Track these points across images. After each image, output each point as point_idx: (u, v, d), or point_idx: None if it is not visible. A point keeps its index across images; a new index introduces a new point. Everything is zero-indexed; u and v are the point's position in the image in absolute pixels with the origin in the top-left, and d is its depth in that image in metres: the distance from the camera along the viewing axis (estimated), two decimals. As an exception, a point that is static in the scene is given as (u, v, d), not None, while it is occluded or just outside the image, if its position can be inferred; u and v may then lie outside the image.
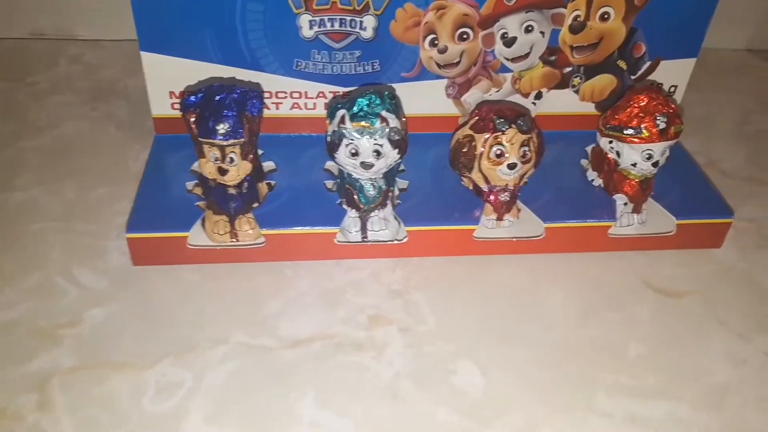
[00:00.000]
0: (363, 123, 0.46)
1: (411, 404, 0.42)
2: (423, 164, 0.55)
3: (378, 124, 0.46)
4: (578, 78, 0.56)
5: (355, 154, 0.47)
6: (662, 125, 0.48)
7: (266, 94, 0.55)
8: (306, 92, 0.55)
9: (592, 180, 0.55)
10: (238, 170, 0.46)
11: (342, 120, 0.46)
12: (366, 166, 0.47)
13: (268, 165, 0.54)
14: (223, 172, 0.46)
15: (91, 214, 0.54)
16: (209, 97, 0.45)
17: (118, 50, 0.72)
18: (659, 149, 0.49)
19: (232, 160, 0.46)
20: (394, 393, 0.42)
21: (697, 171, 0.57)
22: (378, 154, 0.47)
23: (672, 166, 0.56)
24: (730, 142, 0.66)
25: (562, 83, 0.57)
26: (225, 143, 0.45)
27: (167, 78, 0.53)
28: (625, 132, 0.49)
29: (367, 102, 0.46)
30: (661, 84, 0.57)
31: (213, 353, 0.44)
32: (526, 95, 0.57)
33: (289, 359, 0.44)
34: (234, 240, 0.49)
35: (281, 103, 0.55)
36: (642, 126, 0.48)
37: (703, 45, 0.81)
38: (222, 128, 0.44)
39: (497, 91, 0.57)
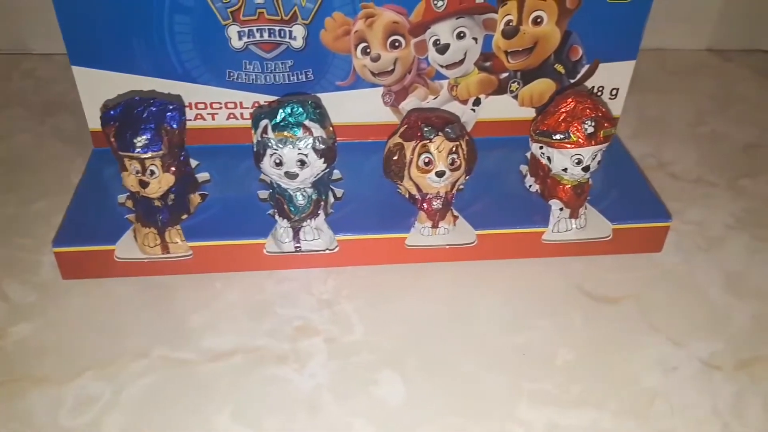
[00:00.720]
0: (285, 133, 0.46)
1: (328, 416, 0.41)
2: (361, 172, 0.55)
3: (301, 133, 0.46)
4: (516, 83, 0.56)
5: (279, 164, 0.46)
6: (590, 129, 0.47)
7: (201, 105, 0.55)
8: (241, 102, 0.55)
9: (530, 186, 0.54)
10: (159, 183, 0.46)
11: (265, 130, 0.46)
12: (290, 175, 0.47)
13: (202, 176, 0.54)
14: (144, 184, 0.46)
15: (29, 227, 0.54)
16: (128, 110, 0.45)
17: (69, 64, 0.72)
18: (588, 153, 0.48)
19: (152, 172, 0.46)
20: (313, 405, 0.42)
21: (637, 174, 0.56)
22: (302, 163, 0.46)
23: (612, 170, 0.56)
24: (683, 143, 0.66)
25: (500, 89, 0.56)
26: (144, 156, 0.45)
27: (101, 91, 0.53)
28: (553, 137, 0.48)
29: (290, 111, 0.46)
30: (602, 88, 0.57)
31: (133, 367, 0.44)
32: (464, 102, 0.57)
33: (209, 373, 0.43)
34: (165, 252, 0.49)
35: (217, 113, 0.55)
36: (570, 130, 0.48)
37: (662, 45, 0.82)
38: (140, 141, 0.44)
39: (435, 98, 0.56)
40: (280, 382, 0.43)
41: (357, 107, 0.56)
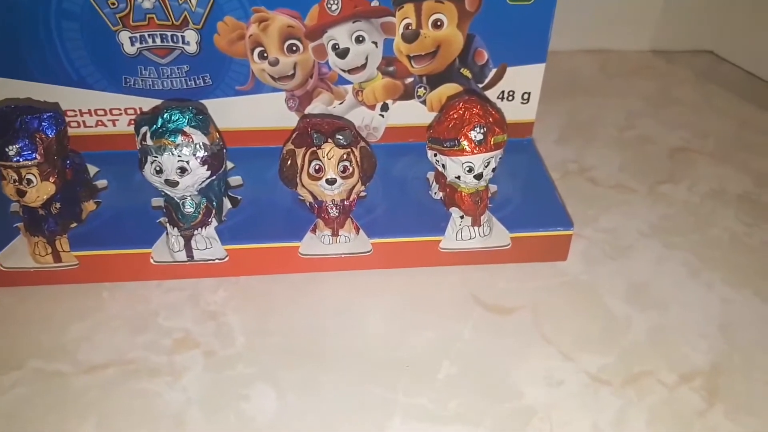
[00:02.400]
0: (164, 140, 0.45)
1: (193, 432, 0.41)
2: (263, 178, 0.54)
3: (180, 140, 0.45)
4: (422, 88, 0.55)
5: (159, 172, 0.46)
6: (480, 136, 0.46)
7: (101, 112, 0.54)
8: (141, 108, 0.54)
9: (435, 193, 0.53)
10: (38, 191, 0.45)
11: (144, 137, 0.45)
12: (170, 183, 0.46)
13: (101, 183, 0.53)
14: (21, 193, 0.45)
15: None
16: (1, 119, 0.44)
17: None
18: (479, 161, 0.47)
19: (30, 181, 0.45)
20: (180, 421, 0.41)
21: (546, 181, 0.55)
22: (183, 171, 0.45)
23: (521, 177, 0.55)
24: (608, 148, 0.64)
25: (408, 94, 0.55)
26: (17, 165, 0.44)
27: (-2, 98, 0.53)
28: (444, 145, 0.47)
29: (168, 118, 0.45)
30: (513, 92, 0.56)
31: (6, 379, 0.43)
32: (371, 107, 0.56)
33: (80, 386, 0.43)
34: (57, 261, 0.48)
35: (117, 119, 0.54)
36: (459, 138, 0.46)
37: (607, 46, 0.80)
38: (12, 150, 0.43)
39: (340, 103, 0.55)
40: (150, 396, 0.42)
41: (260, 112, 0.55)
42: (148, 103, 0.54)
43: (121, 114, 0.54)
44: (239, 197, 0.52)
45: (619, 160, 0.62)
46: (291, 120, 0.56)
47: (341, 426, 0.41)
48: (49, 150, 0.45)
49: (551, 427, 0.41)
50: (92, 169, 0.54)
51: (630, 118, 0.68)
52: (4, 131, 0.44)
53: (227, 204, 0.51)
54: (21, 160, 0.44)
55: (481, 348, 0.46)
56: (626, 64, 0.77)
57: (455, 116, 0.47)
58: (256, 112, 0.55)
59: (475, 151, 0.46)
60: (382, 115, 0.56)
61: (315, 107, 0.55)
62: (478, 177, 0.47)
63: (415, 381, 0.43)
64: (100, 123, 0.54)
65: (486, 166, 0.47)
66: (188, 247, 0.49)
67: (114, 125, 0.55)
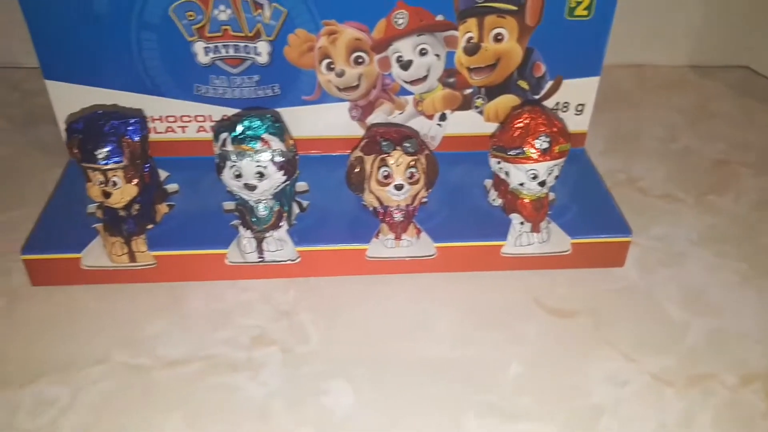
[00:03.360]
0: (243, 146, 0.47)
1: (277, 424, 0.42)
2: (327, 185, 0.56)
3: (259, 146, 0.47)
4: (480, 99, 0.57)
5: (238, 176, 0.48)
6: (545, 145, 0.48)
7: (171, 119, 0.56)
8: (210, 116, 0.56)
9: (493, 200, 0.55)
10: (122, 193, 0.47)
11: (224, 143, 0.47)
12: (249, 187, 0.48)
13: (171, 187, 0.55)
14: (107, 195, 0.47)
15: (2, 235, 0.55)
16: (90, 124, 0.46)
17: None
18: (544, 169, 0.49)
19: (115, 183, 0.47)
20: (263, 413, 0.43)
21: (602, 189, 0.57)
22: (261, 175, 0.47)
23: (577, 185, 0.57)
24: (654, 159, 0.66)
25: (466, 105, 0.57)
26: (105, 167, 0.46)
27: (75, 104, 0.55)
28: (509, 152, 0.49)
29: (248, 125, 0.47)
30: (567, 104, 0.58)
31: (91, 372, 0.45)
32: (430, 117, 0.58)
33: (163, 379, 0.44)
34: (132, 261, 0.50)
35: (187, 126, 0.57)
36: (524, 146, 0.48)
37: (644, 61, 0.82)
38: (101, 153, 0.46)
39: (400, 113, 0.57)
40: (232, 389, 0.44)
41: (324, 121, 0.57)
42: (217, 111, 0.56)
43: (191, 121, 0.56)
44: (306, 202, 0.54)
45: (664, 171, 0.64)
46: (353, 129, 0.58)
47: (418, 420, 0.42)
48: (134, 154, 0.47)
49: (620, 425, 0.43)
50: (162, 174, 0.56)
51: (671, 131, 0.70)
52: (93, 135, 0.46)
53: (295, 208, 0.53)
54: (109, 163, 0.46)
55: (546, 349, 0.47)
56: (663, 79, 0.79)
57: (521, 125, 0.49)
58: (320, 122, 0.57)
59: (540, 159, 0.48)
60: (440, 125, 0.58)
61: (376, 117, 0.57)
62: (542, 184, 0.49)
63: (486, 379, 0.45)
64: (170, 129, 0.57)
65: (549, 174, 0.49)
66: (260, 249, 0.51)
67: (183, 132, 0.57)
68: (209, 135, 0.57)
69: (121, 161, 0.46)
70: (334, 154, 0.58)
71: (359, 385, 0.44)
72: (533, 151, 0.48)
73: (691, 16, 0.78)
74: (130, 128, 0.46)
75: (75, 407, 0.43)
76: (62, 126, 0.56)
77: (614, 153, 0.66)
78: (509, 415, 0.43)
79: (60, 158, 0.62)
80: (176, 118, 0.56)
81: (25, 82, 0.75)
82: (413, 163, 0.49)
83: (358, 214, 0.54)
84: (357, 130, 0.58)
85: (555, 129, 0.49)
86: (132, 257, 0.50)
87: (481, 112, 0.58)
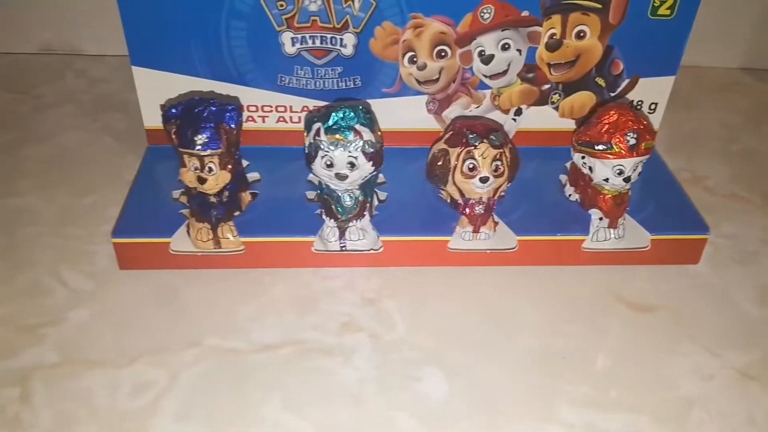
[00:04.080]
0: (337, 136, 0.47)
1: (372, 409, 0.43)
2: (403, 177, 0.57)
3: (351, 136, 0.48)
4: (557, 95, 0.58)
5: (330, 166, 0.48)
6: (632, 141, 0.49)
7: (252, 108, 0.57)
8: (291, 106, 0.57)
9: (569, 195, 0.55)
10: (216, 179, 0.48)
11: (317, 133, 0.48)
12: (340, 177, 0.48)
13: (252, 176, 0.56)
14: (202, 181, 0.48)
15: (83, 219, 0.56)
16: (189, 109, 0.47)
17: (120, 65, 0.75)
18: (630, 164, 0.49)
19: (210, 169, 0.48)
20: (357, 398, 0.43)
21: (676, 187, 0.57)
22: (352, 165, 0.48)
23: (651, 182, 0.57)
24: (716, 159, 0.67)
25: (542, 100, 0.58)
26: (203, 153, 0.47)
27: (158, 91, 0.56)
28: (596, 147, 0.50)
29: (342, 115, 0.48)
30: (641, 102, 0.58)
31: (186, 354, 0.46)
32: (506, 111, 0.58)
33: (258, 363, 0.45)
34: (216, 247, 0.51)
35: (267, 116, 0.57)
36: (612, 142, 0.49)
37: (697, 63, 0.83)
38: (200, 139, 0.46)
39: (477, 107, 0.58)
40: (326, 373, 0.45)
41: (401, 114, 0.57)
42: (298, 102, 0.57)
43: (271, 111, 0.57)
44: (384, 193, 0.55)
45: (728, 171, 0.65)
46: (429, 122, 0.58)
47: (514, 408, 0.43)
48: (230, 141, 0.48)
49: (710, 417, 0.43)
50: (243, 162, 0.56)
51: (731, 132, 0.71)
52: (191, 121, 0.47)
53: (375, 200, 0.54)
54: (207, 149, 0.47)
55: (630, 343, 0.48)
56: (718, 80, 0.80)
57: (609, 121, 0.49)
58: (397, 114, 0.57)
59: (627, 155, 0.49)
60: (515, 120, 0.59)
61: (452, 110, 0.58)
62: (627, 180, 0.50)
63: (574, 371, 0.46)
64: (250, 119, 0.57)
65: (634, 170, 0.50)
66: (342, 238, 0.52)
67: (263, 121, 0.58)
68: (289, 125, 0.58)
69: (218, 148, 0.47)
70: (406, 147, 0.59)
71: (451, 373, 0.45)
72: (621, 146, 0.49)
73: (746, 19, 0.79)
74: (228, 115, 0.47)
75: (174, 389, 0.43)
76: (144, 112, 0.57)
77: (677, 152, 0.67)
78: (602, 406, 0.44)
79: (132, 144, 0.64)
80: (257, 108, 0.57)
81: (90, 70, 0.75)
82: (498, 156, 0.50)
83: (436, 205, 0.54)
84: (432, 124, 0.59)
85: (642, 126, 0.49)
86: (217, 243, 0.51)
87: (556, 108, 0.58)
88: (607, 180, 0.51)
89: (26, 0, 0.74)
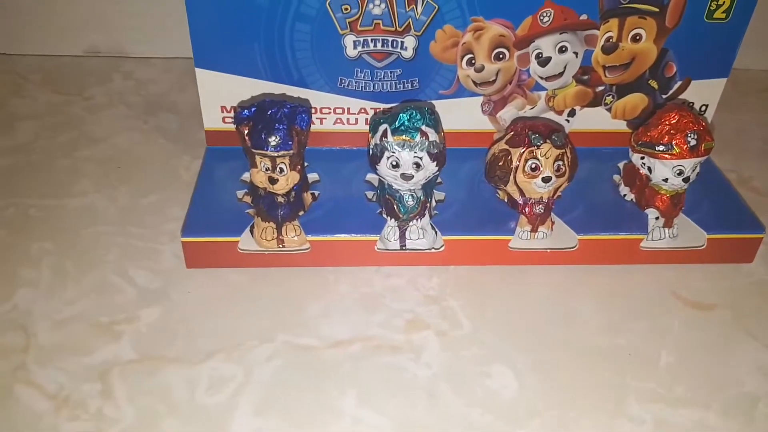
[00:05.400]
0: (404, 137, 0.48)
1: (447, 404, 0.44)
2: (459, 177, 0.58)
3: (418, 138, 0.49)
4: (610, 96, 0.58)
5: (396, 166, 0.49)
6: (693, 142, 0.50)
7: (312, 110, 0.58)
8: (349, 108, 0.58)
9: (625, 195, 0.56)
10: (287, 180, 0.49)
11: (384, 134, 0.49)
12: (406, 177, 0.49)
13: (312, 176, 0.57)
14: (273, 181, 0.49)
15: (144, 219, 0.57)
16: (261, 111, 0.48)
17: (166, 67, 0.76)
18: (690, 165, 0.50)
19: (282, 170, 0.49)
20: (431, 393, 0.44)
21: (728, 187, 0.58)
22: (417, 166, 0.49)
23: (704, 182, 0.58)
24: (761, 160, 0.68)
25: (595, 101, 0.59)
26: (276, 154, 0.48)
27: (219, 93, 0.57)
28: (656, 148, 0.51)
29: (408, 117, 0.49)
30: (693, 103, 0.59)
31: (260, 351, 0.47)
32: (559, 113, 0.59)
33: (331, 358, 0.46)
34: (281, 246, 0.52)
35: (325, 118, 0.58)
36: (673, 142, 0.50)
37: (736, 65, 0.83)
38: (273, 140, 0.47)
39: (531, 108, 0.59)
40: (398, 369, 0.46)
41: (456, 115, 0.58)
42: (356, 104, 0.57)
43: (329, 113, 0.58)
44: (442, 193, 0.56)
45: (774, 172, 0.66)
46: (481, 123, 0.59)
47: (584, 404, 0.44)
48: (301, 142, 0.49)
49: (776, 414, 0.44)
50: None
51: (774, 134, 0.72)
52: (264, 123, 0.47)
53: (433, 200, 0.55)
54: (280, 150, 0.47)
55: (692, 340, 0.49)
56: (757, 83, 0.81)
57: (670, 122, 0.50)
58: (453, 115, 0.58)
59: (687, 156, 0.50)
60: (568, 120, 0.60)
61: (507, 111, 0.59)
62: (686, 180, 0.51)
63: (639, 367, 0.47)
64: (312, 120, 0.58)
65: (693, 171, 0.51)
66: (402, 237, 0.53)
67: (321, 123, 0.59)
68: (346, 127, 0.59)
69: (290, 149, 0.48)
70: (460, 147, 0.60)
71: (519, 369, 0.46)
72: (681, 147, 0.50)
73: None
74: (299, 117, 0.48)
75: (251, 384, 0.44)
76: (205, 113, 0.58)
77: (722, 153, 0.67)
78: (669, 402, 0.44)
79: (186, 145, 0.65)
80: (316, 110, 0.58)
81: (136, 72, 0.76)
82: (561, 156, 0.51)
83: (494, 205, 0.55)
84: (485, 125, 0.60)
85: (702, 127, 0.50)
86: (281, 242, 0.52)
87: (609, 109, 0.59)
88: (666, 180, 0.51)
89: (71, 2, 0.75)
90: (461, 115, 0.59)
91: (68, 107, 0.71)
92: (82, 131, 0.67)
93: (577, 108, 0.59)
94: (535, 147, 0.51)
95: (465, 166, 0.58)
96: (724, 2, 0.53)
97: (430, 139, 0.49)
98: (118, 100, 0.72)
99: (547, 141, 0.51)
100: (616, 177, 0.58)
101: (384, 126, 0.49)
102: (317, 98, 0.57)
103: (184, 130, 0.67)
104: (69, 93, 0.73)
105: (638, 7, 0.53)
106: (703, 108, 0.60)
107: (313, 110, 0.58)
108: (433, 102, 0.58)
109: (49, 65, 0.77)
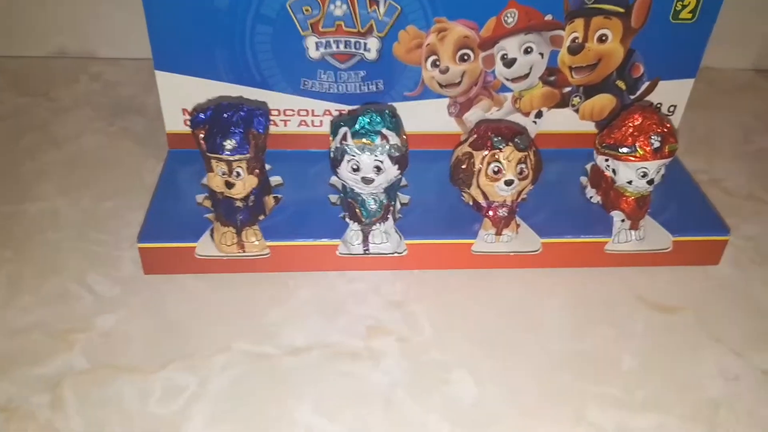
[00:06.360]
0: (364, 140, 0.48)
1: (404, 412, 0.43)
2: (425, 180, 0.57)
3: (378, 141, 0.48)
4: (578, 98, 0.58)
5: (356, 170, 0.48)
6: (657, 144, 0.49)
7: (275, 112, 0.57)
8: (313, 110, 0.57)
9: (591, 197, 0.56)
10: (244, 184, 0.48)
11: (344, 137, 0.48)
12: (367, 181, 0.49)
13: (275, 179, 0.56)
14: (229, 185, 0.48)
15: (106, 224, 0.56)
16: (218, 114, 0.47)
17: (136, 69, 0.75)
18: (654, 167, 0.50)
19: (238, 174, 0.48)
20: (389, 401, 0.44)
21: (695, 189, 0.58)
22: (378, 169, 0.48)
23: (671, 184, 0.57)
24: (732, 160, 0.67)
25: (562, 103, 0.58)
26: (232, 158, 0.47)
27: (180, 95, 0.56)
28: (620, 150, 0.50)
29: (368, 120, 0.48)
30: (660, 104, 0.59)
31: (216, 359, 0.46)
32: (526, 114, 0.59)
33: (289, 367, 0.45)
34: (241, 251, 0.51)
35: (289, 120, 0.58)
36: (636, 144, 0.49)
37: (710, 64, 0.83)
38: (229, 144, 0.46)
39: (498, 110, 0.58)
40: (356, 377, 0.45)
41: (422, 117, 0.58)
42: (320, 106, 0.57)
43: (293, 115, 0.57)
44: (407, 196, 0.55)
45: (746, 173, 0.65)
46: (448, 125, 0.59)
47: (542, 411, 0.44)
48: (258, 146, 0.48)
49: (737, 418, 0.44)
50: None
51: (746, 134, 0.71)
52: (220, 126, 0.47)
53: (397, 202, 0.54)
54: (236, 154, 0.47)
55: (654, 344, 0.48)
56: (731, 82, 0.80)
57: (633, 124, 0.50)
58: (418, 117, 0.57)
59: (651, 158, 0.49)
60: (535, 122, 0.59)
61: (473, 113, 0.58)
62: (651, 182, 0.50)
63: (601, 372, 0.46)
64: (272, 123, 0.57)
65: (658, 173, 0.50)
66: (366, 241, 0.52)
67: (285, 125, 0.58)
68: (310, 129, 0.58)
69: (247, 153, 0.47)
70: (426, 149, 0.59)
71: (480, 375, 0.46)
72: (645, 149, 0.49)
73: (759, 21, 0.79)
74: (256, 120, 0.47)
75: (205, 394, 0.44)
76: (167, 116, 0.57)
77: (694, 154, 0.67)
78: (630, 407, 0.44)
79: (151, 148, 0.64)
80: (279, 112, 0.57)
81: (105, 73, 0.75)
82: (523, 159, 0.50)
83: (459, 208, 0.55)
84: (452, 126, 0.59)
85: (666, 129, 0.50)
86: (241, 247, 0.51)
87: (576, 111, 0.58)
88: (630, 182, 0.51)
89: (40, 3, 0.74)
90: (427, 116, 0.58)
91: (33, 109, 0.70)
92: (46, 133, 0.66)
93: (544, 109, 0.58)
94: (498, 150, 0.50)
95: (431, 169, 0.57)
96: (689, 3, 0.53)
97: (391, 143, 0.48)
98: (85, 101, 0.71)
99: (510, 144, 0.50)
100: (583, 179, 0.57)
101: (344, 129, 0.48)
102: (281, 100, 0.56)
103: (151, 132, 0.66)
104: (34, 94, 0.72)
105: (603, 7, 0.53)
106: (672, 109, 0.59)
107: (276, 112, 0.57)
108: (399, 104, 0.57)
109: (15, 66, 0.76)
